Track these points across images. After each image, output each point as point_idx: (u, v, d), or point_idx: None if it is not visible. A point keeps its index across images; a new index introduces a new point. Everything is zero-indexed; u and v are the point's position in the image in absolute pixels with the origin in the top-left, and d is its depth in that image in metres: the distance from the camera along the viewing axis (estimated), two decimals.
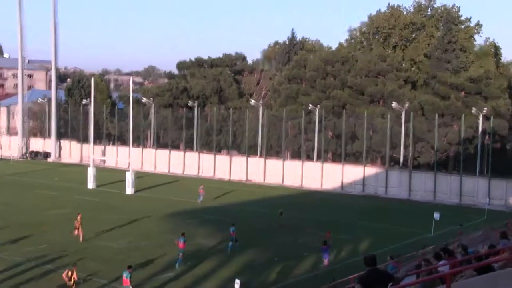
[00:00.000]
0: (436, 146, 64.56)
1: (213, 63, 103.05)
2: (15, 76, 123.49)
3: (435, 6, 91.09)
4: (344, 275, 27.55)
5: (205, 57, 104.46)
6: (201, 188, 54.40)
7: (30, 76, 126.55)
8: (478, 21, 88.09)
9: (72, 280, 26.44)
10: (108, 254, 33.74)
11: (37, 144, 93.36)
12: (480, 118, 62.02)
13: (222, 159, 75.58)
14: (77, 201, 52.25)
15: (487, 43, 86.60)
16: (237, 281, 24.08)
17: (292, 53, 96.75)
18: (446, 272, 9.82)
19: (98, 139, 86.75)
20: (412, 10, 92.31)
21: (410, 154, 66.88)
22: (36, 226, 40.52)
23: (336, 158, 72.94)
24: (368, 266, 9.93)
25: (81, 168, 74.75)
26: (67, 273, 26.52)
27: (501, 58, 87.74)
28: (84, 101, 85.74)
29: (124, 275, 25.70)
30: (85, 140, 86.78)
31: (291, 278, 30.18)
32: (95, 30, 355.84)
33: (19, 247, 34.52)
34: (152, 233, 39.52)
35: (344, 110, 71.19)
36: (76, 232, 36.97)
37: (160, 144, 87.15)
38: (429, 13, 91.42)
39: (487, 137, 64.70)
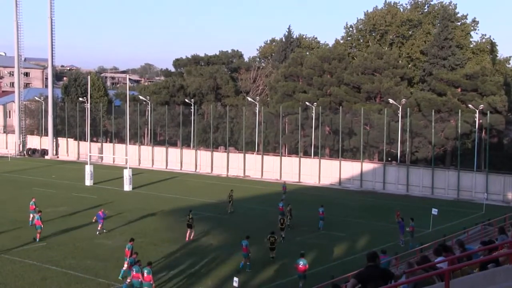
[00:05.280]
0: (433, 141, 64.65)
1: (209, 60, 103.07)
2: (11, 74, 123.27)
3: (432, 3, 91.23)
4: (342, 272, 27.60)
5: (201, 54, 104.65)
6: (283, 186, 55.37)
7: (26, 74, 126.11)
8: (475, 18, 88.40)
9: None
10: (104, 252, 33.69)
11: (34, 141, 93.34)
12: (477, 113, 62.12)
13: (220, 155, 75.63)
14: (75, 198, 52.21)
15: (483, 40, 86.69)
16: (236, 279, 24.09)
17: (288, 50, 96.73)
18: (445, 269, 9.83)
19: (95, 137, 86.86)
20: (408, 7, 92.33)
21: (407, 149, 66.98)
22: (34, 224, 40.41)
23: (334, 154, 73.05)
24: (368, 262, 9.98)
25: (78, 165, 74.79)
26: None
27: (497, 55, 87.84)
28: (80, 99, 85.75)
29: (145, 272, 25.71)
30: (82, 137, 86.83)
31: (289, 276, 30.17)
32: (92, 28, 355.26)
33: (18, 245, 34.44)
34: (149, 231, 39.48)
35: (340, 107, 71.27)
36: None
37: (157, 141, 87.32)
38: (425, 10, 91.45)
39: (483, 132, 64.87)
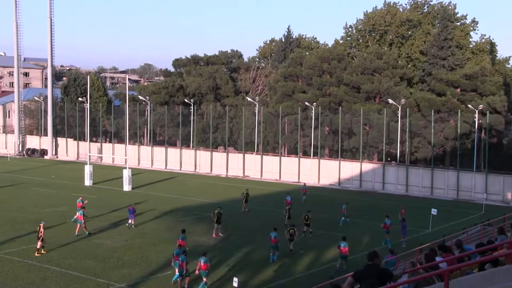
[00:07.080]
0: (432, 141, 64.68)
1: (209, 60, 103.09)
2: (11, 74, 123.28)
3: (431, 3, 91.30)
4: (341, 273, 27.58)
5: (201, 54, 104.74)
6: (304, 188, 54.98)
7: (26, 74, 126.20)
8: (474, 18, 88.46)
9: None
10: (104, 252, 33.65)
11: (34, 141, 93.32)
12: (477, 113, 62.16)
13: (219, 156, 75.64)
14: (74, 198, 52.09)
15: (483, 40, 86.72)
16: (235, 279, 24.10)
17: (288, 50, 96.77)
18: (445, 269, 9.84)
19: (94, 137, 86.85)
20: (408, 7, 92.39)
21: (407, 150, 67.00)
22: (33, 224, 40.37)
23: (333, 154, 73.05)
24: (367, 261, 10.05)
25: (77, 165, 74.74)
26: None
27: (497, 55, 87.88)
28: (80, 99, 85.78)
29: (202, 261, 27.06)
30: (81, 137, 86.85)
31: (289, 276, 30.18)
32: (91, 28, 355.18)
33: (17, 245, 34.43)
34: (148, 231, 39.48)
35: (340, 107, 71.30)
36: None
37: (156, 141, 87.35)
38: (425, 10, 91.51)
39: (483, 132, 64.89)
